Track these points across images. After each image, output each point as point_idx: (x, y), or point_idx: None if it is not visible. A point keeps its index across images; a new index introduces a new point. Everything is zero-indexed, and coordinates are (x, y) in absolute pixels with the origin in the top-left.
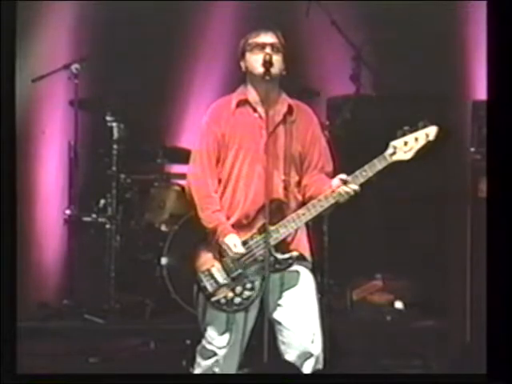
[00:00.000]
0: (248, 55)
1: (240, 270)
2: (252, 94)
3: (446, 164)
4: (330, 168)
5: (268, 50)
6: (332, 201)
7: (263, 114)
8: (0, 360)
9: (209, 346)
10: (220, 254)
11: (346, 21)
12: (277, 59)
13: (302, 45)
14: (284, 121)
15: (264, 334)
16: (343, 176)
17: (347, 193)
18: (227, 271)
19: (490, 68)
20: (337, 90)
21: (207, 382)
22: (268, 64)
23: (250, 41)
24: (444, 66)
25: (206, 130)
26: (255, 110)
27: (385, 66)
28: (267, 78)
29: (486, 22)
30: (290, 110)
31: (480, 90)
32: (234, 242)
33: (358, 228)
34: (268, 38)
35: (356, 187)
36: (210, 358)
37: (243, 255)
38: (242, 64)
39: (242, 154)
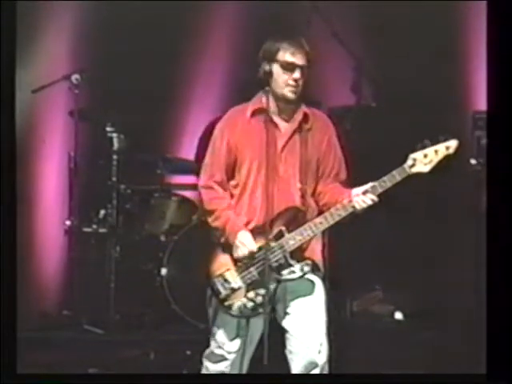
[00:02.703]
0: (277, 70)
1: (255, 276)
2: (270, 104)
3: (447, 175)
4: (344, 176)
5: (298, 74)
6: (350, 210)
7: (280, 123)
8: (0, 360)
9: (218, 351)
10: (234, 256)
11: (346, 31)
12: (304, 80)
13: None
14: (300, 129)
15: (264, 341)
16: (361, 188)
17: (365, 203)
18: (241, 276)
19: (490, 78)
20: (338, 101)
21: (207, 382)
22: (297, 89)
23: (284, 57)
24: (444, 77)
25: (220, 135)
26: (271, 119)
27: (385, 76)
28: (288, 99)
29: (485, 32)
30: (306, 118)
31: (480, 101)
32: (245, 239)
33: (359, 239)
34: (302, 59)
35: (374, 197)
36: (219, 362)
37: (258, 261)
38: (266, 68)
39: (258, 163)
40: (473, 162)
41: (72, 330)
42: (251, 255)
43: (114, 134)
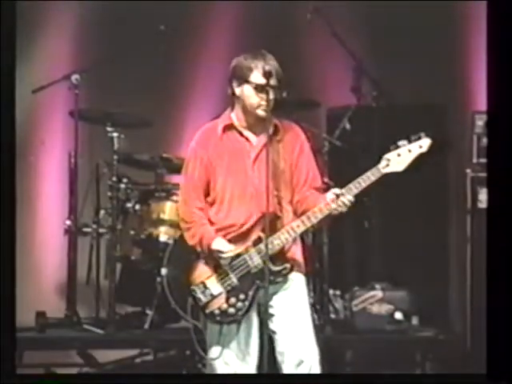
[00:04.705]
0: (250, 91)
1: (234, 282)
2: (238, 119)
3: (446, 175)
4: (319, 183)
5: (271, 95)
6: (326, 212)
7: (250, 136)
8: (0, 360)
9: (208, 359)
10: (214, 265)
11: (346, 32)
12: (274, 99)
13: (303, 56)
14: (270, 140)
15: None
16: (337, 190)
17: (343, 203)
18: (221, 283)
19: (490, 78)
20: (337, 101)
21: (207, 382)
22: (269, 108)
23: (257, 80)
24: (444, 77)
25: (194, 155)
26: (242, 134)
27: (385, 76)
28: (261, 117)
29: (486, 32)
30: (276, 129)
31: (480, 101)
32: (221, 244)
33: (358, 239)
34: (274, 79)
35: (351, 198)
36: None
37: (238, 267)
38: (238, 90)
39: (232, 177)
40: (472, 161)
41: (72, 330)
42: (231, 259)
43: (114, 134)
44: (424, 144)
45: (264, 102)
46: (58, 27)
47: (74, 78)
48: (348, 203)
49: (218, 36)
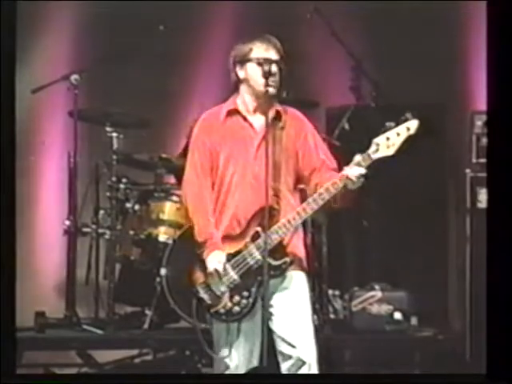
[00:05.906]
0: (253, 69)
1: (236, 280)
2: (243, 104)
3: (445, 175)
4: (334, 164)
5: (274, 68)
6: (321, 202)
7: (254, 122)
8: (0, 360)
9: (214, 357)
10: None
11: (345, 31)
12: (279, 75)
13: (303, 56)
14: (273, 127)
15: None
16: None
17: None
18: (223, 282)
19: (490, 78)
20: (336, 101)
21: (206, 382)
22: (276, 83)
23: (258, 55)
24: (444, 77)
25: (197, 141)
26: (245, 119)
27: (385, 76)
28: (271, 94)
29: (485, 32)
30: (279, 116)
31: (479, 101)
32: (216, 260)
33: (357, 239)
34: (275, 54)
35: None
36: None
37: (238, 264)
38: (241, 73)
39: (233, 163)
40: (471, 161)
41: (72, 330)
42: (216, 274)
43: (114, 134)
44: (411, 126)
45: (270, 77)
46: (57, 27)
47: (74, 78)
48: (340, 185)
49: (218, 36)
